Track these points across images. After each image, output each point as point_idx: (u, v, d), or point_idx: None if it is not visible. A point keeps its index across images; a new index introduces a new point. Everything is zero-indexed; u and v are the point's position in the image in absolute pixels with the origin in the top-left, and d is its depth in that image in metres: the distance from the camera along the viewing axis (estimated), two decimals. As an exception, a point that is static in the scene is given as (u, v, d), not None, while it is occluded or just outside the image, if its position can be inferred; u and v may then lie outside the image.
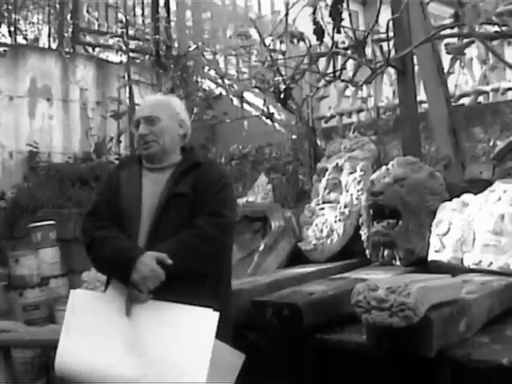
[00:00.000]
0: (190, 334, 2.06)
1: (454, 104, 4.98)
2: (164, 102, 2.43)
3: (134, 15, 8.09)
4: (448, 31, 4.76)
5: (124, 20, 7.40)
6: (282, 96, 4.53)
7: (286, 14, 4.59)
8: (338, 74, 4.62)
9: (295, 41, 4.61)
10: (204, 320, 2.06)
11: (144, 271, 2.07)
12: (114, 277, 2.21)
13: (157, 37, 7.83)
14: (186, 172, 2.30)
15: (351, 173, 3.67)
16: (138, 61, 7.77)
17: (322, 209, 3.72)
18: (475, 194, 3.06)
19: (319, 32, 4.15)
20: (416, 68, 4.24)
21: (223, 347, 2.13)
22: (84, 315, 2.20)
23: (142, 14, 8.21)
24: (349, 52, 4.47)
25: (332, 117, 7.03)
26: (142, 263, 2.08)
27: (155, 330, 2.08)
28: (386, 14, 3.94)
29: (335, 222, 3.58)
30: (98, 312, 2.18)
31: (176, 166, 2.34)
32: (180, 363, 2.02)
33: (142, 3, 8.17)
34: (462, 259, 2.86)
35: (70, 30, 7.53)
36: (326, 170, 3.82)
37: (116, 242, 2.19)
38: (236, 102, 7.42)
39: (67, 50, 7.29)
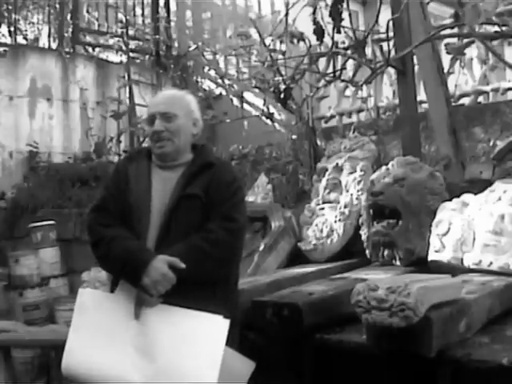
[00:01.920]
0: (200, 340, 2.03)
1: (454, 104, 4.98)
2: (180, 99, 2.35)
3: (134, 15, 8.10)
4: (448, 31, 4.76)
5: (124, 20, 7.41)
6: (281, 96, 4.53)
7: (286, 14, 4.59)
8: (337, 74, 4.62)
9: (295, 41, 4.61)
10: (215, 327, 2.04)
11: (155, 276, 2.04)
12: (122, 278, 2.16)
13: (157, 37, 7.83)
14: (198, 172, 2.23)
15: (351, 173, 3.67)
16: (138, 61, 7.78)
17: (322, 209, 3.72)
18: (475, 194, 3.06)
19: (319, 32, 4.15)
20: (416, 68, 4.24)
21: (233, 355, 2.12)
22: (92, 315, 2.17)
23: (142, 14, 8.22)
24: (349, 52, 4.48)
25: (332, 117, 7.04)
26: (153, 267, 2.04)
27: (165, 335, 2.05)
28: (386, 14, 3.95)
29: (335, 221, 3.58)
30: (106, 313, 2.15)
31: (187, 165, 2.28)
32: (190, 370, 2.00)
33: (142, 3, 8.18)
34: (462, 259, 2.86)
35: (70, 30, 7.54)
36: (326, 169, 3.82)
37: (126, 242, 2.14)
38: (236, 101, 7.42)
39: (67, 49, 7.30)
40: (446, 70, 4.79)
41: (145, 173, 2.28)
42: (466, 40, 5.41)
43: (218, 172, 2.25)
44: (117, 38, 7.33)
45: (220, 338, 2.02)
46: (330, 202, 3.72)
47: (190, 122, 2.32)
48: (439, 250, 2.96)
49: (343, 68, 4.71)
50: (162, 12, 8.19)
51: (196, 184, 2.21)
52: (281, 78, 4.60)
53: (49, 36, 7.73)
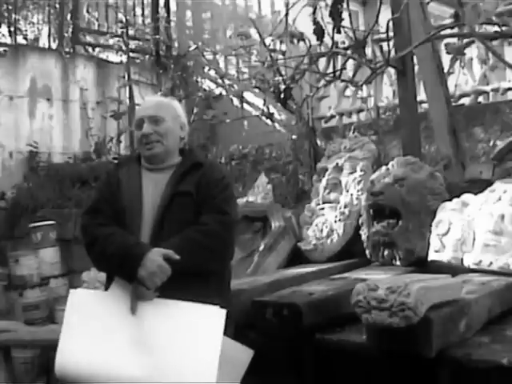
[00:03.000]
0: (198, 331, 2.05)
1: (454, 104, 4.98)
2: (167, 104, 2.43)
3: (134, 15, 8.09)
4: (448, 31, 4.77)
5: (124, 20, 7.40)
6: (282, 96, 4.54)
7: (286, 14, 4.60)
8: (338, 74, 4.63)
9: (295, 41, 4.62)
10: (212, 317, 2.06)
11: (151, 267, 2.06)
12: (118, 274, 2.18)
13: (157, 37, 7.83)
14: (188, 172, 2.29)
15: (351, 173, 3.67)
16: (137, 61, 7.77)
17: (322, 209, 3.72)
18: (475, 193, 3.06)
19: (319, 32, 4.16)
20: (416, 68, 4.24)
21: (231, 343, 2.13)
22: (85, 315, 2.18)
23: (142, 14, 8.22)
24: (349, 52, 4.48)
25: (332, 117, 7.04)
26: (149, 259, 2.07)
27: (162, 329, 2.07)
28: (386, 14, 3.95)
29: (335, 221, 3.58)
30: (100, 311, 2.16)
31: (176, 166, 2.34)
32: (189, 361, 2.01)
33: (142, 3, 8.18)
34: (462, 259, 2.86)
35: (70, 30, 7.54)
36: (326, 169, 3.82)
37: (120, 238, 2.17)
38: (236, 102, 7.42)
39: (67, 49, 7.30)
40: (446, 70, 4.79)
41: (135, 176, 2.34)
42: (466, 40, 5.41)
43: (207, 171, 2.31)
44: (117, 38, 7.31)
45: (217, 328, 2.03)
46: (330, 202, 3.72)
47: (177, 126, 2.39)
48: (439, 250, 2.96)
49: (343, 68, 4.72)
50: (162, 12, 8.18)
51: (187, 182, 2.26)
52: (281, 78, 4.60)
53: (49, 36, 7.73)
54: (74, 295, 2.26)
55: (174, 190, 2.24)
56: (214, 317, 2.06)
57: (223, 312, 2.06)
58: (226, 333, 2.08)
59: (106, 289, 2.25)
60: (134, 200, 2.26)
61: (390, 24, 3.87)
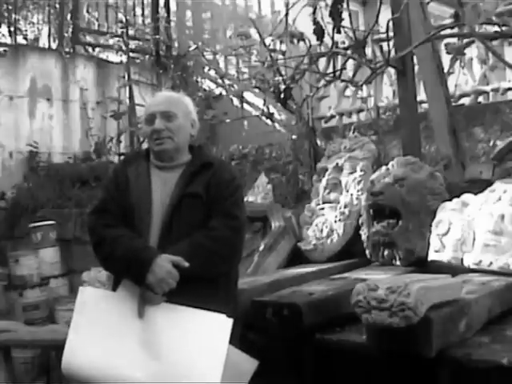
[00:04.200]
0: (204, 339, 2.04)
1: (454, 104, 4.99)
2: (179, 100, 2.38)
3: (134, 15, 8.09)
4: (448, 31, 4.77)
5: (124, 20, 7.40)
6: (282, 96, 4.54)
7: (286, 14, 4.60)
8: (338, 74, 4.63)
9: (295, 41, 4.62)
10: (218, 325, 2.05)
11: (160, 273, 2.04)
12: (126, 277, 2.16)
13: (157, 37, 7.83)
14: (198, 172, 2.26)
15: (351, 173, 3.67)
16: (137, 61, 7.77)
17: (322, 209, 3.72)
18: (475, 194, 3.06)
19: (319, 32, 4.16)
20: (416, 68, 4.25)
21: (236, 353, 2.12)
22: (94, 314, 2.16)
23: (142, 14, 8.22)
24: (349, 52, 4.48)
25: (332, 117, 7.04)
26: (158, 265, 2.05)
27: (169, 334, 2.06)
28: (386, 14, 3.95)
29: (335, 221, 3.58)
30: (108, 311, 2.14)
31: (186, 165, 2.30)
32: (193, 368, 2.00)
33: (142, 3, 8.18)
34: (462, 259, 2.86)
35: (70, 30, 7.54)
36: (326, 169, 3.82)
37: (129, 241, 2.14)
38: (236, 102, 7.42)
39: (67, 49, 7.30)
40: (446, 70, 4.79)
41: (144, 173, 2.30)
42: (466, 40, 5.41)
43: (218, 171, 2.28)
44: (117, 38, 7.32)
45: (223, 336, 2.03)
46: (330, 202, 3.72)
47: (188, 123, 2.36)
48: (439, 250, 2.96)
49: (343, 68, 4.72)
50: (162, 12, 8.18)
51: (196, 183, 2.23)
52: (281, 78, 4.60)
53: (49, 36, 7.72)
54: (83, 293, 2.25)
55: (183, 191, 2.21)
56: (220, 325, 2.05)
57: (230, 321, 2.05)
58: (232, 334, 2.07)
59: (114, 290, 2.24)
60: (143, 198, 2.22)
61: (390, 24, 3.87)
